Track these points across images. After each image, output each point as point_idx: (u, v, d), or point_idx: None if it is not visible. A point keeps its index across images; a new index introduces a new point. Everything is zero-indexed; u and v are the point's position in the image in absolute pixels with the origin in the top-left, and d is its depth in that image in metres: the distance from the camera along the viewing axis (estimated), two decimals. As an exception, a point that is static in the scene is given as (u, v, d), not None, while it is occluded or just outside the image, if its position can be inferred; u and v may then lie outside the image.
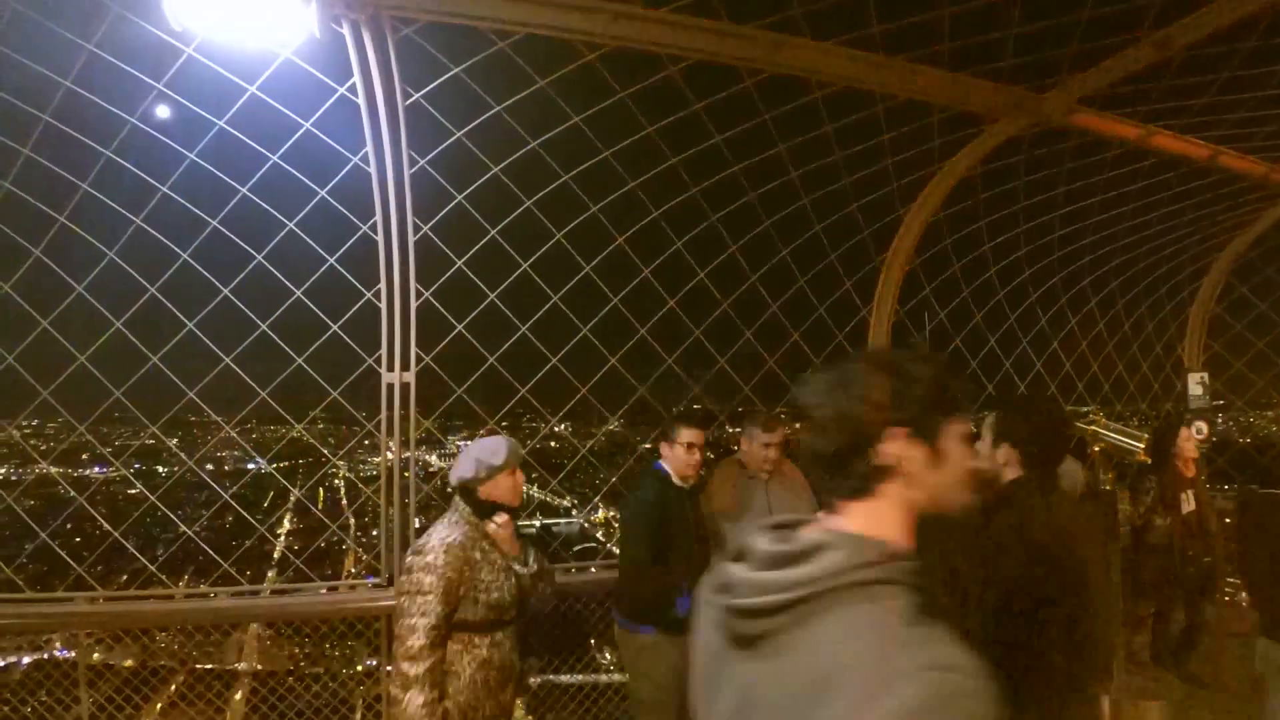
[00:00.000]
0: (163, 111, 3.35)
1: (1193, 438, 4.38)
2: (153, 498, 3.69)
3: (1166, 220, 5.39)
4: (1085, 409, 5.65)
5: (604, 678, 4.00)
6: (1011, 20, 3.39)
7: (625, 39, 3.30)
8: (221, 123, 3.37)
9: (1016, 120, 3.99)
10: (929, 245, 4.90)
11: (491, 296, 3.87)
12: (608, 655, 4.17)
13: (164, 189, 3.45)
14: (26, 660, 3.86)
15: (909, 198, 4.59)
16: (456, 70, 3.42)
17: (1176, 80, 3.78)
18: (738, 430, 3.94)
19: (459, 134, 3.60)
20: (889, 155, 4.29)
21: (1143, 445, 4.28)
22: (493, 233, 3.83)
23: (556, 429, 4.56)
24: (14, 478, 4.06)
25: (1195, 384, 5.90)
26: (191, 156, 3.42)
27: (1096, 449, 4.31)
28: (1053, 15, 3.39)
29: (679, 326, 4.34)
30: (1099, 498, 4.37)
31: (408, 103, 3.44)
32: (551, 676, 3.97)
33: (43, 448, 3.98)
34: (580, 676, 3.99)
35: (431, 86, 3.45)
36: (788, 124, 3.99)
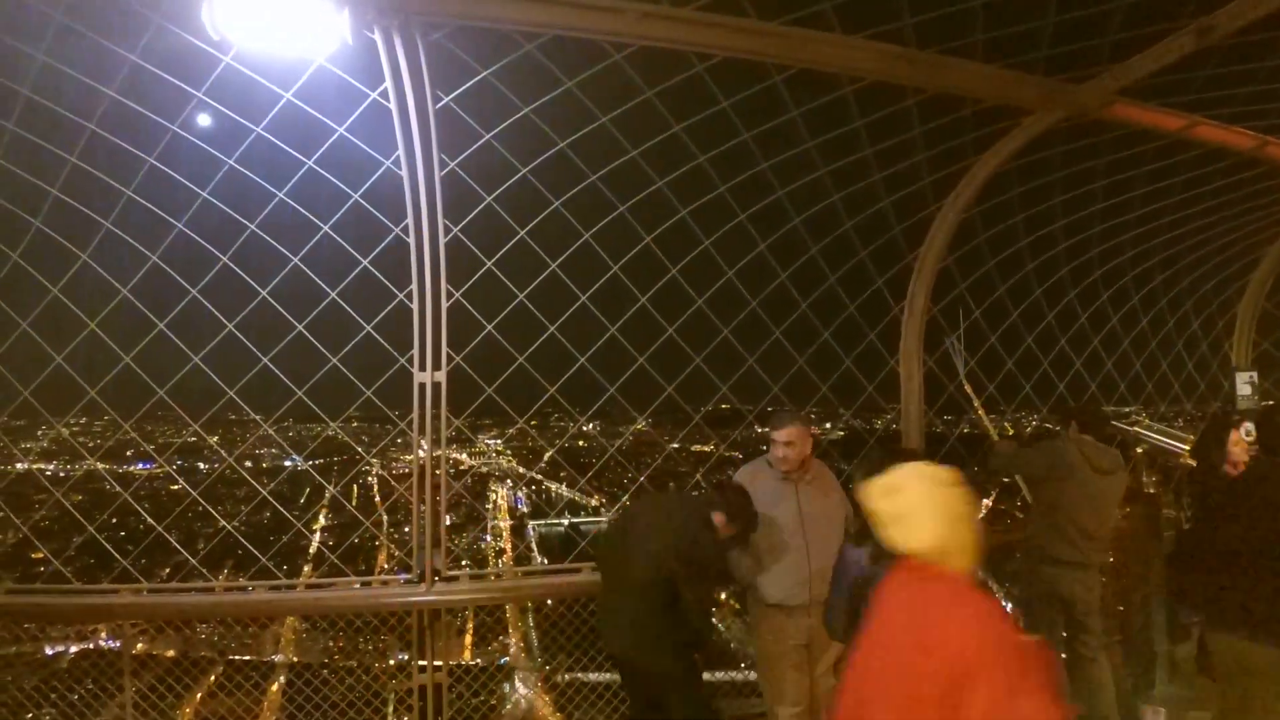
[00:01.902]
0: (203, 119, 3.45)
1: (1242, 440, 4.21)
2: (194, 493, 3.80)
3: (1212, 213, 5.21)
4: (1127, 409, 5.50)
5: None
6: (1047, 10, 3.31)
7: (652, 38, 3.30)
8: (259, 129, 3.45)
9: (1053, 112, 3.89)
10: (963, 242, 4.80)
11: (520, 297, 3.90)
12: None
13: (204, 194, 3.54)
14: (74, 649, 4.01)
15: (942, 193, 4.50)
16: (485, 73, 3.45)
17: (1220, 69, 3.65)
18: (767, 430, 3.91)
19: (488, 136, 3.64)
20: (921, 150, 4.22)
21: (1188, 447, 4.14)
22: (521, 234, 3.86)
23: (585, 428, 4.58)
24: (63, 474, 4.21)
25: (1244, 383, 5.68)
26: (230, 163, 3.50)
27: (1139, 451, 4.19)
28: (1090, 4, 3.30)
29: (708, 326, 4.33)
30: (1142, 501, 4.25)
31: (438, 106, 3.48)
32: (580, 675, 3.99)
33: (90, 445, 4.13)
34: (608, 675, 4.00)
35: (461, 90, 3.49)
36: (817, 120, 3.95)
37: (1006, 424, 5.50)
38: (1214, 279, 6.05)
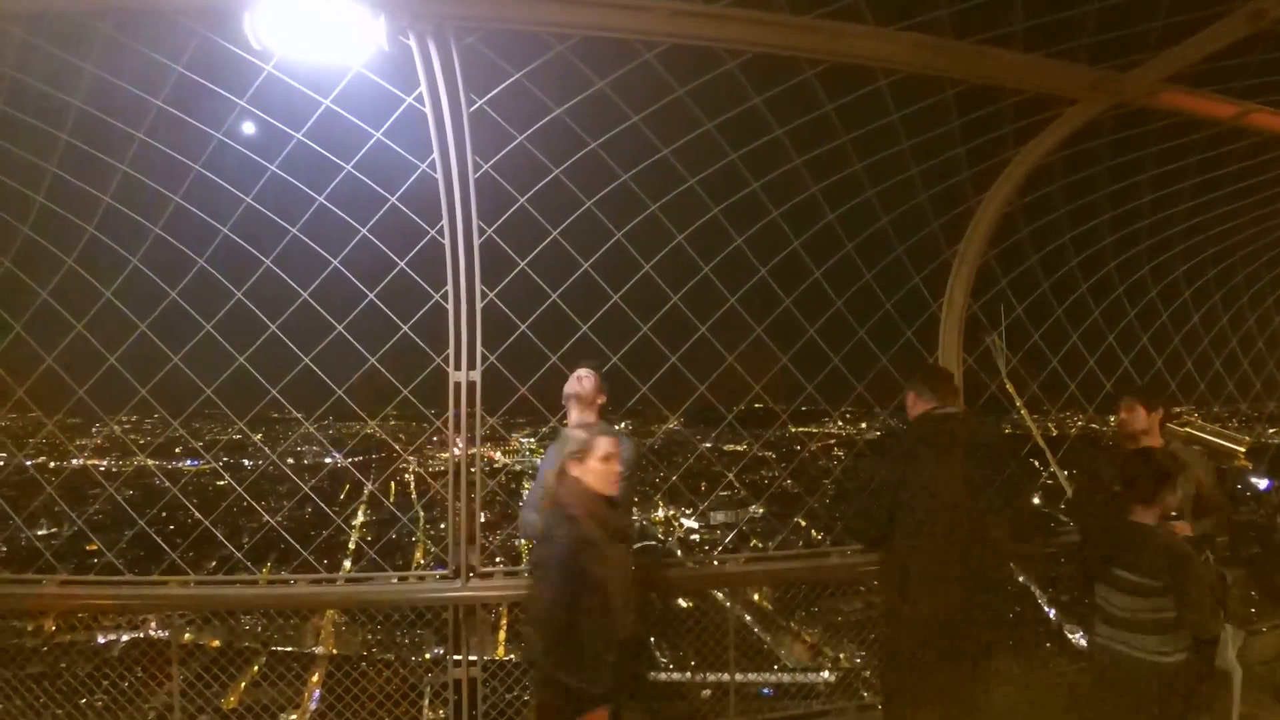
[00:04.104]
0: (246, 127, 3.55)
1: None
2: (239, 489, 3.91)
3: (1268, 204, 4.98)
4: (1179, 409, 5.30)
5: (663, 676, 4.01)
6: (1089, -4, 3.21)
7: (683, 35, 3.29)
8: (299, 135, 3.53)
9: (1097, 102, 3.77)
10: (1004, 237, 4.66)
11: (554, 297, 3.92)
12: (664, 653, 4.18)
13: (248, 199, 3.64)
14: (125, 638, 4.17)
15: (982, 187, 4.39)
16: (518, 75, 3.48)
17: (1273, 54, 3.49)
18: (800, 430, 3.86)
19: (520, 138, 3.66)
20: (959, 143, 4.12)
21: (1244, 449, 3.97)
22: (554, 234, 3.88)
23: (617, 427, 4.59)
24: (115, 469, 4.37)
25: (1304, 381, 5.43)
26: (272, 169, 3.59)
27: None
28: (1135, -11, 3.20)
29: (741, 324, 4.29)
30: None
31: (472, 109, 3.52)
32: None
33: (141, 442, 4.27)
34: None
35: (495, 92, 3.52)
36: (851, 114, 3.88)
37: (1050, 424, 5.35)
38: (1271, 273, 5.80)
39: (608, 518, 2.72)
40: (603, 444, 2.75)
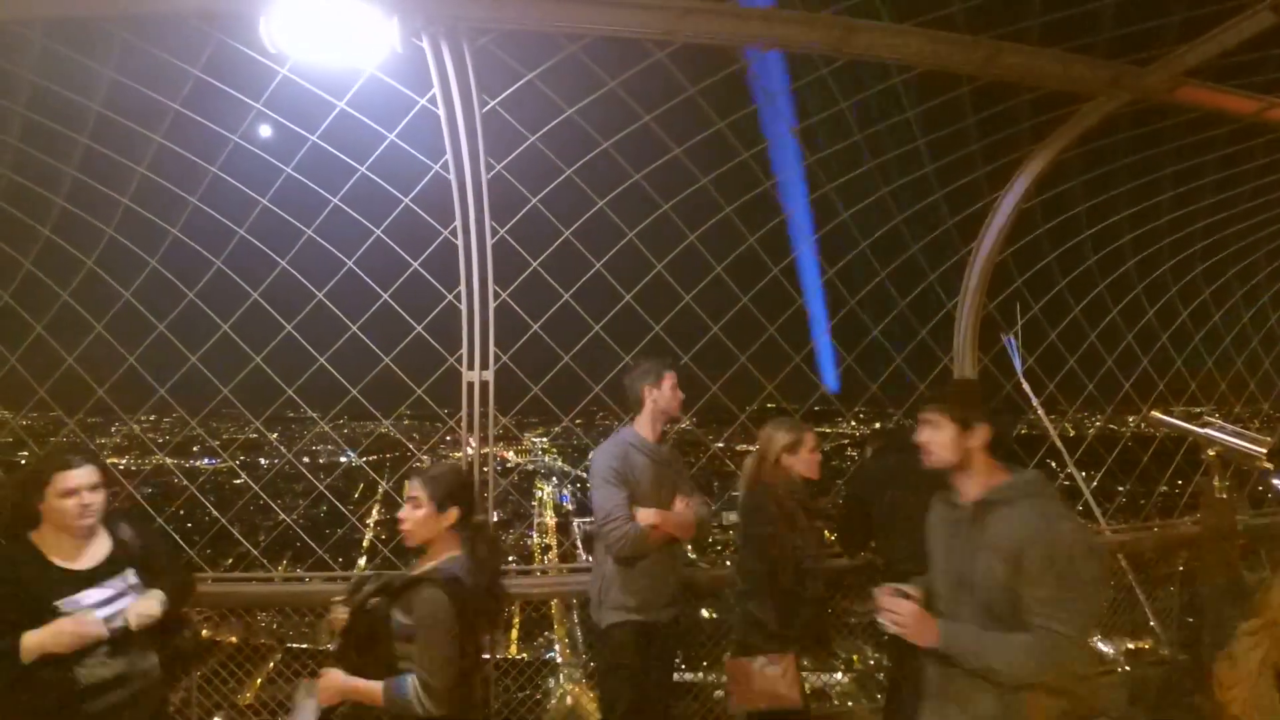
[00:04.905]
0: (263, 130, 3.58)
1: None
2: (256, 487, 3.95)
3: (1291, 200, 4.91)
4: (1199, 410, 5.22)
5: (674, 676, 3.99)
6: (1108, -11, 3.17)
7: (695, 34, 3.29)
8: (314, 138, 3.56)
9: (1116, 97, 3.72)
10: (1021, 234, 4.62)
11: (566, 297, 3.93)
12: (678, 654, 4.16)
13: (264, 201, 3.67)
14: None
15: (998, 184, 4.35)
16: (530, 76, 3.49)
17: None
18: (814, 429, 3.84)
19: (533, 139, 3.67)
20: (975, 139, 4.09)
21: (1266, 450, 3.90)
22: (566, 234, 3.89)
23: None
24: (134, 468, 4.43)
25: (1328, 381, 5.33)
26: (288, 171, 3.62)
27: (1212, 454, 3.97)
28: (1154, -17, 3.16)
29: (753, 323, 4.28)
30: (1212, 506, 4.03)
31: (484, 110, 3.53)
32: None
33: (159, 440, 4.32)
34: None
35: (507, 93, 3.52)
36: (865, 111, 3.87)
37: (1067, 424, 5.28)
38: (1295, 270, 5.70)
39: (805, 498, 3.12)
40: (809, 438, 3.17)
